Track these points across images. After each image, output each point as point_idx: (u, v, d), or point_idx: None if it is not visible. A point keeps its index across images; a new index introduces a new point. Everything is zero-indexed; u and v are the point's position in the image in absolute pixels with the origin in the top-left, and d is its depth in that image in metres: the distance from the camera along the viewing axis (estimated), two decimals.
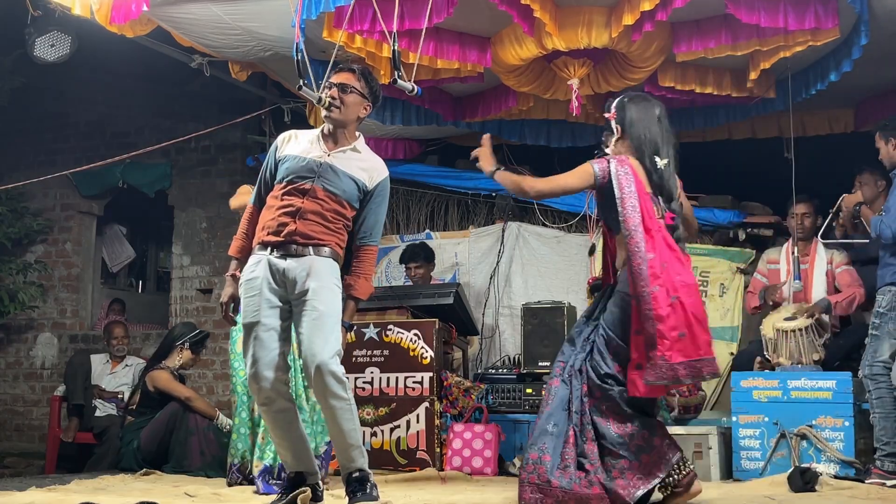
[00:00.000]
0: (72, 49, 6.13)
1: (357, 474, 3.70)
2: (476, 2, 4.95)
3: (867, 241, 5.27)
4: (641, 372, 3.63)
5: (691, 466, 3.77)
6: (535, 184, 3.95)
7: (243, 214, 3.99)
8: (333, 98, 3.83)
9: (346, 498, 3.71)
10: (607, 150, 4.05)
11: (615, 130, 4.02)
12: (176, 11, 5.38)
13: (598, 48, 5.28)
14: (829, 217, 5.60)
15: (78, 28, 5.96)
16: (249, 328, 3.73)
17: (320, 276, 3.71)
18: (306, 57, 4.65)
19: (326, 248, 3.75)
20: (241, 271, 3.86)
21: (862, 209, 5.34)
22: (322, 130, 3.92)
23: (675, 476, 3.70)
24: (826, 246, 5.64)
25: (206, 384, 7.66)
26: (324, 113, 3.85)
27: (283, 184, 3.80)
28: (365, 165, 3.88)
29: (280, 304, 3.75)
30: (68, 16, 5.52)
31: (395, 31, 4.42)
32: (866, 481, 4.61)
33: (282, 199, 3.78)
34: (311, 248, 3.73)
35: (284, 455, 3.85)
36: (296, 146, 3.87)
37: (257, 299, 3.72)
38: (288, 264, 3.71)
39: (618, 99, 4.10)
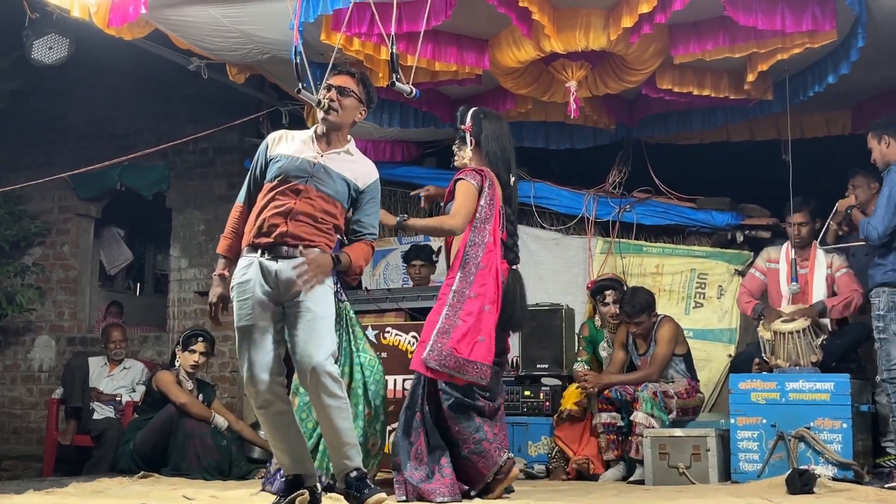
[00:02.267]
0: (70, 51, 6.13)
1: (355, 473, 3.71)
2: (474, 4, 4.95)
3: (863, 243, 5.27)
4: (422, 350, 4.19)
5: (510, 455, 4.33)
6: (449, 221, 4.29)
7: (231, 213, 3.96)
8: (332, 100, 3.84)
9: (347, 498, 3.72)
10: (460, 160, 4.45)
11: (469, 142, 4.42)
12: (174, 14, 5.38)
13: (596, 50, 5.29)
14: (827, 223, 5.59)
15: (76, 30, 5.96)
16: (244, 331, 3.73)
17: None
18: (304, 60, 4.65)
19: (316, 249, 3.76)
20: (229, 271, 3.85)
21: (853, 212, 5.36)
22: (315, 132, 3.91)
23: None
24: (825, 251, 5.63)
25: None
26: (321, 115, 3.85)
27: (276, 183, 3.79)
28: (357, 167, 3.90)
29: (273, 306, 3.75)
30: (66, 18, 5.52)
31: (393, 33, 4.43)
32: (886, 486, 4.60)
33: (274, 199, 3.77)
34: (301, 248, 3.74)
35: (282, 457, 3.85)
36: (288, 146, 3.87)
37: (250, 302, 3.72)
38: (280, 266, 3.71)
39: (471, 111, 4.50)
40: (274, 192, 3.78)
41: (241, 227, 3.87)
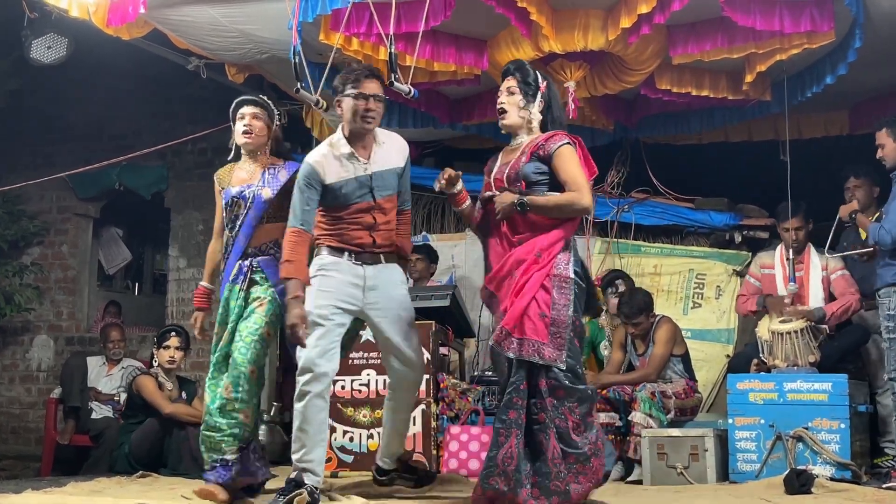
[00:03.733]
0: (68, 51, 6.14)
1: (406, 456, 4.43)
2: (473, 4, 4.95)
3: (871, 249, 5.24)
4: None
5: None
6: (581, 199, 3.72)
7: (289, 237, 3.94)
8: (371, 110, 3.96)
9: (403, 479, 4.37)
10: (521, 117, 3.88)
11: (538, 102, 3.90)
12: (173, 14, 5.38)
13: (595, 51, 5.29)
14: (833, 230, 5.53)
15: (75, 30, 5.97)
16: (318, 322, 3.88)
17: (395, 281, 4.10)
18: (303, 59, 4.66)
19: (394, 254, 4.12)
20: (303, 291, 3.91)
21: (858, 217, 5.32)
22: (347, 142, 4.00)
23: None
24: (820, 255, 5.62)
25: (202, 387, 7.63)
26: (360, 124, 3.96)
27: (346, 207, 3.99)
28: (393, 152, 4.11)
29: (351, 306, 3.98)
30: (65, 18, 5.53)
31: (391, 33, 4.43)
32: (884, 486, 4.61)
33: (348, 219, 3.99)
34: (383, 255, 4.06)
35: (309, 451, 3.91)
36: (336, 170, 3.98)
37: (333, 296, 3.92)
38: (366, 272, 3.99)
39: (533, 70, 3.96)
40: (347, 213, 3.99)
41: (304, 253, 3.96)
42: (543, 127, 3.94)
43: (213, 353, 4.33)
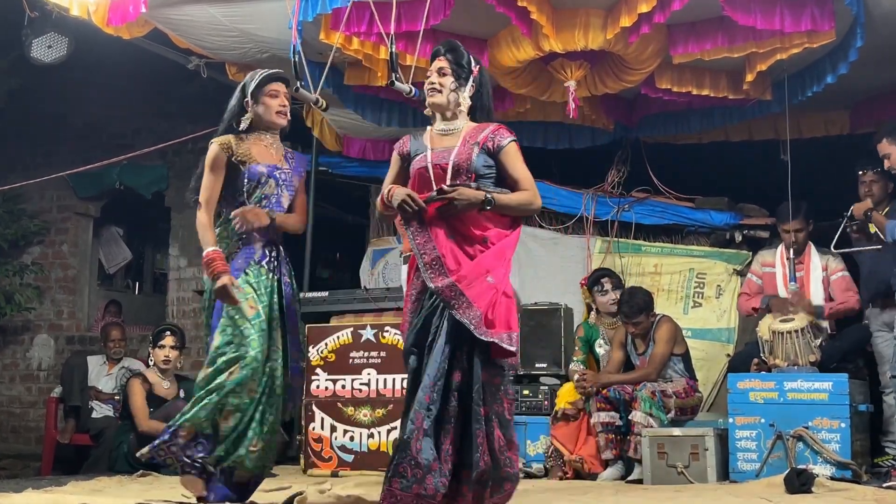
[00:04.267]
0: (69, 50, 6.15)
1: None
2: (473, 3, 4.96)
3: (879, 246, 5.24)
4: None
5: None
6: (537, 199, 3.68)
7: None
8: None
9: None
10: (451, 100, 3.71)
11: (469, 88, 3.73)
12: (173, 13, 5.39)
13: (595, 50, 5.29)
14: (842, 227, 5.52)
15: (75, 30, 5.97)
16: None
17: None
18: (303, 59, 4.66)
19: None
20: None
21: (873, 215, 5.28)
22: None
23: None
24: (821, 255, 5.61)
25: None
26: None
27: None
28: None
29: None
30: (65, 17, 5.53)
31: (392, 32, 4.43)
32: (884, 485, 4.60)
33: None
34: None
35: None
36: None
37: None
38: None
39: (466, 53, 3.78)
40: None
41: None
42: (472, 113, 3.77)
43: (254, 328, 3.92)
